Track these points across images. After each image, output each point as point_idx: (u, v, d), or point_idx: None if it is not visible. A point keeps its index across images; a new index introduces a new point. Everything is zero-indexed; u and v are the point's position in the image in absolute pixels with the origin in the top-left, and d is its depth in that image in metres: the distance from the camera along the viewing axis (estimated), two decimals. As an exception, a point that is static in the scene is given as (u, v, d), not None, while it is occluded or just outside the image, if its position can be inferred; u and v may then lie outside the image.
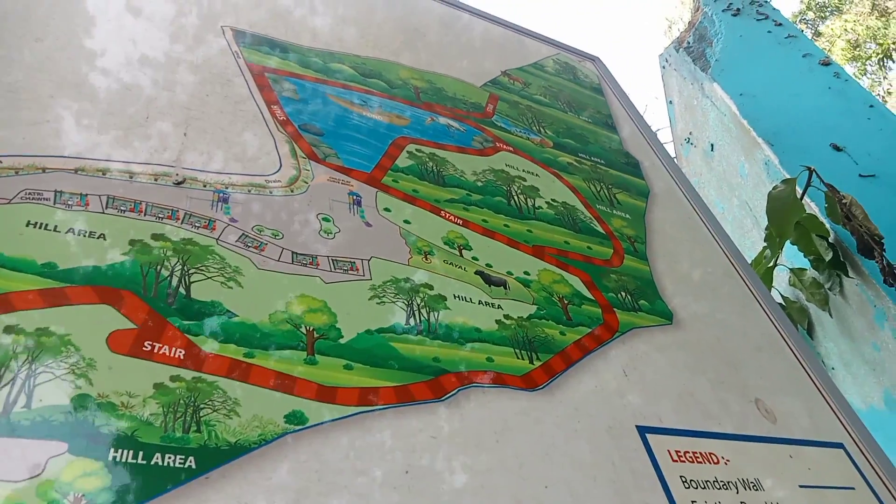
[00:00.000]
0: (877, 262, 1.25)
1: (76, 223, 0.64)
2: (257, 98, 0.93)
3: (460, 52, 1.41)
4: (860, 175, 1.52)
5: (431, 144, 1.07)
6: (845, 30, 13.34)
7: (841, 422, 1.00)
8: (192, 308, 0.63)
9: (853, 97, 1.69)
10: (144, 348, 0.58)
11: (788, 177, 1.57)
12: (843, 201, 1.30)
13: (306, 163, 0.88)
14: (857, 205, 1.30)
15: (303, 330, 0.67)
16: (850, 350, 1.54)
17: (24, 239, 0.60)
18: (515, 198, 1.07)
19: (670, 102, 2.22)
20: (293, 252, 0.75)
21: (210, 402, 0.57)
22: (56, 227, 0.63)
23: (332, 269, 0.76)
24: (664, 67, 2.20)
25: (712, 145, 1.96)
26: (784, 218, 1.33)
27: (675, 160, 2.35)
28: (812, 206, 1.51)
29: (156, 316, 0.61)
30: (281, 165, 0.85)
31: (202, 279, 0.66)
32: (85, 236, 0.64)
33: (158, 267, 0.65)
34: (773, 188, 1.39)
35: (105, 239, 0.64)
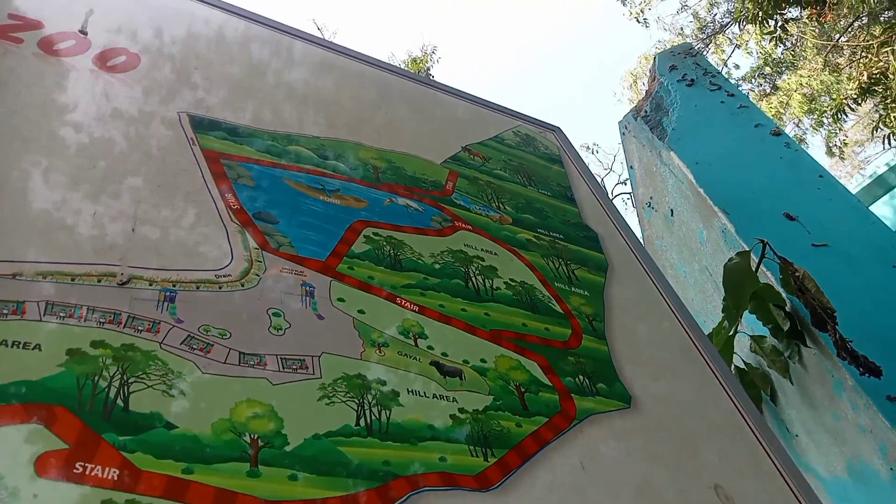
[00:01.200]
0: (829, 335, 1.27)
1: (9, 334, 0.62)
2: (211, 187, 0.93)
3: (421, 129, 1.43)
4: (813, 244, 1.56)
5: (389, 227, 1.07)
6: (800, 84, 13.98)
7: (801, 504, 1.00)
8: (129, 422, 0.61)
9: (803, 167, 1.75)
10: (76, 470, 0.56)
11: (745, 246, 1.60)
12: (796, 274, 1.33)
13: (259, 254, 0.87)
14: (810, 278, 1.33)
15: (246, 438, 0.65)
16: (812, 418, 1.55)
17: (-48, 355, 0.58)
18: (473, 279, 1.07)
19: (631, 167, 2.28)
20: (240, 352, 0.73)
21: (143, 528, 0.54)
22: (-12, 339, 0.61)
23: (281, 369, 0.74)
24: (624, 134, 2.26)
25: (672, 211, 2.01)
26: (740, 290, 1.35)
27: (639, 222, 2.40)
28: (769, 276, 1.54)
29: (90, 433, 0.59)
30: (232, 258, 0.84)
31: (142, 388, 0.64)
32: (18, 348, 0.62)
33: (96, 377, 0.63)
34: (729, 260, 1.42)
35: (40, 349, 0.62)
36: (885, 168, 8.05)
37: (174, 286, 0.76)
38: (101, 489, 0.55)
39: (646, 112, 2.09)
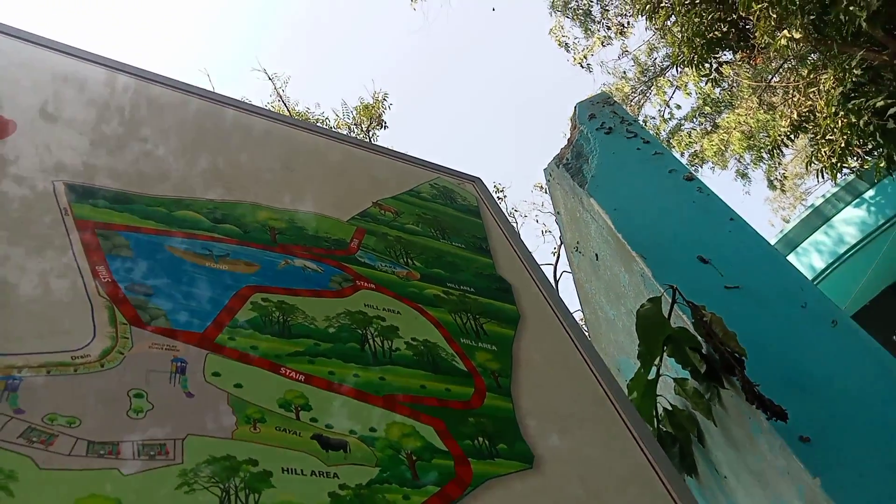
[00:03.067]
0: (738, 380, 1.28)
1: None
2: (80, 260, 0.88)
3: (330, 186, 1.41)
4: (726, 286, 1.58)
5: (281, 291, 1.04)
6: (738, 122, 14.64)
7: (709, 559, 0.97)
8: (-60, 532, 0.56)
9: (715, 211, 1.79)
10: None
11: (662, 290, 1.62)
12: (704, 319, 1.34)
13: (127, 329, 0.83)
14: (718, 322, 1.34)
15: (83, 540, 0.60)
16: (736, 459, 1.55)
17: None
18: (371, 341, 1.04)
19: (558, 213, 2.31)
20: (89, 441, 0.68)
21: None
22: None
23: (136, 457, 0.69)
24: (549, 181, 2.30)
25: (597, 255, 2.02)
26: (652, 336, 1.36)
27: (569, 265, 2.42)
28: (684, 319, 1.55)
29: None
30: (94, 336, 0.79)
31: (-37, 492, 0.59)
32: None
33: None
34: (641, 306, 1.42)
35: None
36: (822, 200, 8.41)
37: (20, 372, 0.71)
38: None
39: (567, 160, 2.13)
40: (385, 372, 1.00)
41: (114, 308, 0.84)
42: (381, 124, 13.59)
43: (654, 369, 1.58)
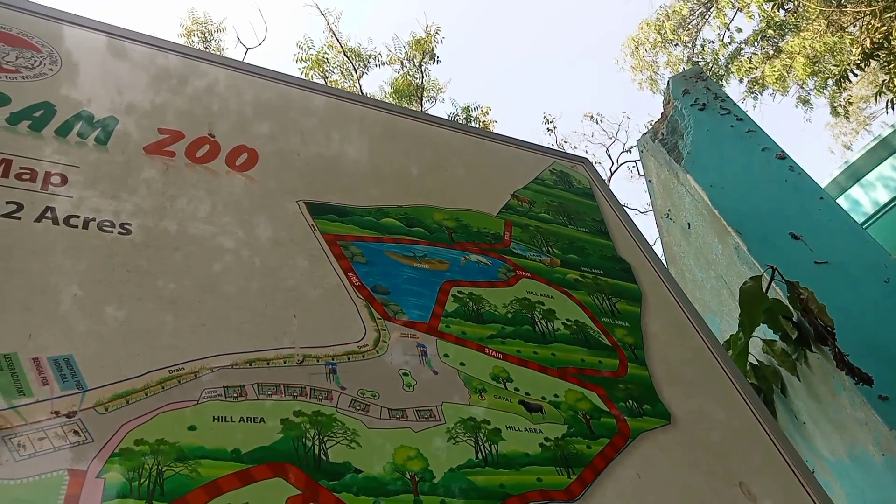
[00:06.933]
0: (829, 350, 1.52)
1: (243, 412, 0.88)
2: (336, 268, 1.18)
3: (476, 182, 1.67)
4: (815, 262, 1.80)
5: (468, 284, 1.32)
6: (804, 46, 13.99)
7: (808, 494, 1.26)
8: (332, 470, 0.87)
9: (806, 189, 1.98)
10: (309, 509, 0.82)
11: (756, 262, 1.85)
12: (802, 296, 1.58)
13: (383, 323, 1.12)
14: (814, 299, 1.58)
15: (407, 476, 0.92)
16: (817, 409, 1.81)
17: (215, 432, 0.84)
18: (539, 324, 1.32)
19: (649, 181, 2.51)
20: (388, 409, 0.99)
21: (359, 546, 0.81)
22: (230, 417, 0.87)
23: (418, 419, 1.00)
24: (642, 151, 2.49)
25: (689, 224, 2.24)
26: (753, 310, 1.60)
27: (657, 227, 2.64)
28: (778, 291, 1.79)
29: (311, 481, 0.85)
30: (366, 330, 1.09)
31: (333, 444, 0.90)
32: (251, 422, 0.87)
33: (303, 439, 0.89)
34: (744, 283, 1.66)
35: (265, 422, 0.88)
36: (890, 130, 8.17)
37: (333, 360, 1.01)
38: (326, 520, 0.82)
39: (662, 134, 2.32)
40: (554, 349, 1.28)
41: (370, 307, 1.14)
42: (434, 58, 13.58)
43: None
